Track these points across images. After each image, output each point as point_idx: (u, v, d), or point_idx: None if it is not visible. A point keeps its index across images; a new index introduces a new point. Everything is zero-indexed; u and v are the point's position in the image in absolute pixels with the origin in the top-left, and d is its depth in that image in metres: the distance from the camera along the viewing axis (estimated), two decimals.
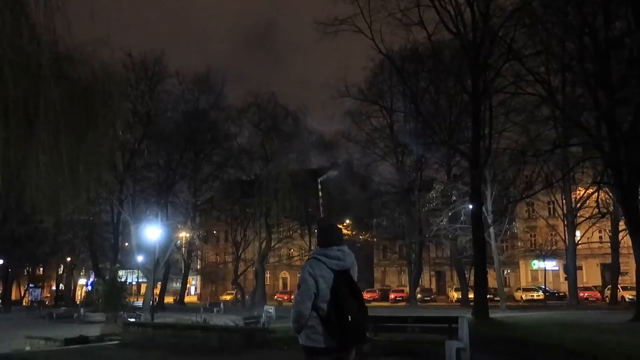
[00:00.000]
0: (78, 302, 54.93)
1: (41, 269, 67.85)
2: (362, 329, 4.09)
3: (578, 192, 37.52)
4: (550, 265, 47.78)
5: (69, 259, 59.22)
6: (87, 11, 10.25)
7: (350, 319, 3.89)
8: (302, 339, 4.00)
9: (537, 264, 49.76)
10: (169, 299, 58.00)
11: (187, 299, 60.73)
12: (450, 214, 39.96)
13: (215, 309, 37.37)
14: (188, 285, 65.93)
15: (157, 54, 45.84)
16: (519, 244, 52.52)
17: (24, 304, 61.23)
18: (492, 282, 32.74)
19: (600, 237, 44.67)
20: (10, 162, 9.82)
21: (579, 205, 37.31)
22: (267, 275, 61.84)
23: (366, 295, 53.47)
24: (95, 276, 51.21)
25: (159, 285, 49.08)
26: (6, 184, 10.23)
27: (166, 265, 46.62)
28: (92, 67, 11.67)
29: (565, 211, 38.21)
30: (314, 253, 4.17)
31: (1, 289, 60.59)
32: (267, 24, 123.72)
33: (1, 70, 8.98)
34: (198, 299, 68.13)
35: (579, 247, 39.52)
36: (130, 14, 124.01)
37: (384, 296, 52.50)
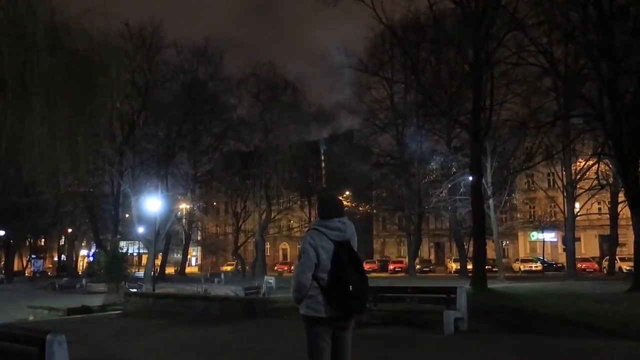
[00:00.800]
0: (80, 273, 55.53)
1: (43, 240, 68.36)
2: (362, 299, 4.15)
3: (578, 163, 37.46)
4: (549, 236, 48.06)
5: (70, 230, 59.56)
6: None
7: (350, 289, 3.93)
8: (303, 308, 4.04)
9: (535, 236, 50.07)
10: (170, 270, 58.53)
11: (188, 269, 61.34)
12: (449, 185, 40.01)
13: (216, 280, 37.80)
14: (189, 256, 66.48)
15: (155, 24, 45.29)
16: (518, 215, 52.71)
17: (26, 274, 61.91)
18: (490, 253, 32.91)
19: (599, 209, 44.82)
20: (8, 134, 9.77)
21: (578, 177, 37.31)
22: (267, 246, 62.31)
23: (366, 266, 53.69)
24: (97, 247, 51.55)
25: (159, 256, 49.46)
26: (5, 156, 10.19)
27: (167, 237, 46.90)
28: (89, 37, 11.52)
29: (565, 183, 38.23)
30: (314, 224, 4.20)
31: (3, 259, 61.14)
32: None
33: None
34: (199, 269, 68.83)
35: (577, 218, 39.67)
36: None
37: (383, 267, 52.94)
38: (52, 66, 9.55)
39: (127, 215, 50.08)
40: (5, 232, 53.86)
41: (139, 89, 42.23)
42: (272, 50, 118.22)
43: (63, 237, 64.89)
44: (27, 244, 65.63)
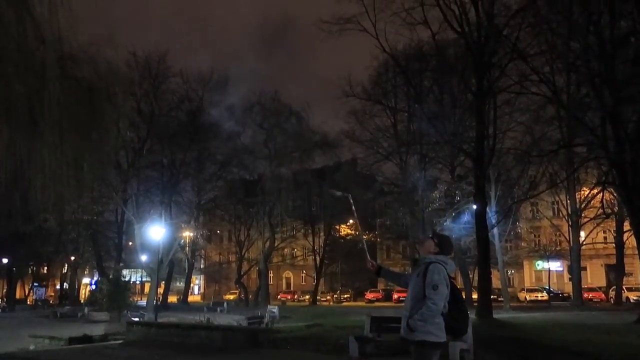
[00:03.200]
0: (82, 301, 55.11)
1: (45, 267, 68.13)
2: (467, 324, 5.00)
3: (582, 192, 37.37)
4: (555, 265, 47.65)
5: (73, 258, 59.35)
6: (94, 9, 10.25)
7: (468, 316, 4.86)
8: (423, 335, 4.61)
9: (541, 265, 49.64)
10: (172, 298, 58.10)
11: (190, 298, 60.87)
12: (454, 214, 39.87)
13: (218, 309, 37.41)
14: (192, 285, 66.09)
15: (162, 53, 45.89)
16: (523, 244, 52.36)
17: (28, 302, 61.50)
18: (496, 282, 32.67)
19: (605, 238, 44.51)
20: (15, 161, 9.83)
21: (583, 205, 37.17)
22: (271, 274, 61.91)
23: (369, 295, 53.53)
24: (99, 275, 51.31)
25: (162, 284, 49.18)
26: (11, 183, 10.24)
27: (170, 265, 46.70)
28: (97, 66, 11.68)
29: (569, 211, 38.07)
30: (437, 259, 4.83)
31: (5, 287, 60.85)
32: (280, 23, 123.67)
33: (6, 69, 8.98)
34: (201, 298, 68.28)
35: (583, 247, 39.37)
36: (143, 11, 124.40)
37: (388, 296, 52.43)
38: (59, 94, 9.66)
39: (130, 243, 49.97)
40: (9, 260, 53.74)
41: (144, 117, 42.69)
42: (278, 79, 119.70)
43: (66, 265, 64.66)
44: (30, 271, 65.39)
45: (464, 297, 5.28)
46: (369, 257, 5.69)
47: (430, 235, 5.19)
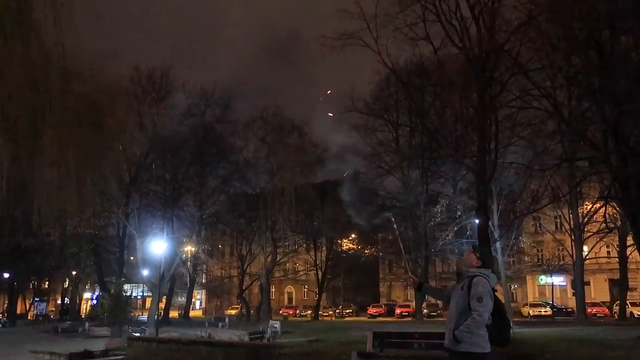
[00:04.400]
0: (83, 316, 54.92)
1: (47, 282, 67.92)
2: (510, 335, 5.22)
3: (585, 206, 37.28)
4: (558, 280, 47.37)
5: (74, 272, 59.23)
6: (99, 25, 10.35)
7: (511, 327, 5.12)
8: (469, 346, 4.80)
9: (544, 279, 49.34)
10: (173, 313, 57.85)
11: (192, 313, 60.62)
12: (456, 228, 39.76)
13: (220, 324, 37.26)
14: (193, 300, 65.83)
15: (165, 68, 46.19)
16: (526, 258, 52.13)
17: (29, 317, 61.29)
18: (498, 297, 32.47)
19: (608, 252, 44.30)
20: (19, 176, 9.87)
21: (586, 219, 37.06)
22: (273, 289, 61.68)
23: (372, 310, 53.24)
24: (101, 290, 51.15)
25: (164, 299, 49.00)
26: (14, 197, 10.27)
27: (171, 279, 46.57)
28: (100, 81, 11.78)
29: (572, 226, 37.95)
30: (480, 272, 5.04)
31: (6, 302, 60.64)
32: (285, 38, 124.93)
33: (10, 86, 9.05)
34: (203, 313, 67.98)
35: (586, 262, 39.17)
36: (149, 26, 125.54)
37: (390, 311, 52.17)
38: (62, 110, 9.73)
39: (132, 258, 49.92)
40: (10, 274, 53.62)
41: (146, 131, 42.82)
42: (281, 93, 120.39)
43: (67, 280, 64.49)
44: (31, 286, 65.21)
45: None
46: (410, 273, 6.07)
47: (472, 250, 5.41)
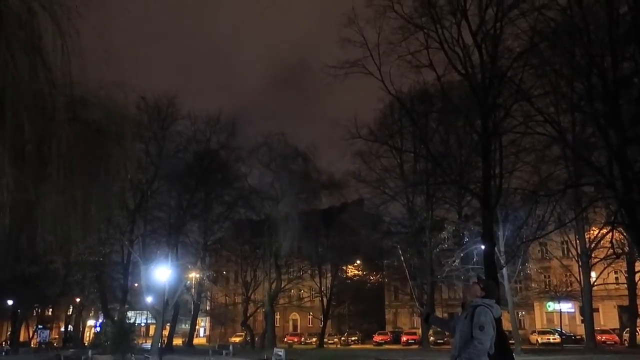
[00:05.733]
0: (86, 344, 54.44)
1: (50, 310, 67.56)
2: None
3: (592, 232, 37.04)
4: (566, 307, 46.79)
5: (78, 299, 58.97)
6: (106, 53, 10.50)
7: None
8: None
9: (552, 306, 48.76)
10: (177, 341, 57.32)
11: (196, 340, 60.01)
12: (462, 254, 39.48)
13: (224, 352, 36.84)
14: (197, 327, 65.24)
15: (171, 96, 46.65)
16: (533, 285, 51.60)
17: (32, 345, 60.71)
18: (506, 324, 32.04)
19: (617, 278, 43.84)
20: (24, 203, 9.92)
21: (593, 245, 36.78)
22: (277, 316, 61.08)
23: (378, 338, 52.62)
24: (104, 317, 50.82)
25: (167, 326, 48.61)
26: (19, 225, 10.31)
27: (175, 307, 46.28)
28: (106, 109, 11.91)
29: (579, 251, 37.66)
30: (483, 302, 5.15)
31: (10, 330, 60.27)
32: (291, 67, 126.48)
33: (18, 114, 9.16)
34: (207, 340, 67.35)
35: (594, 288, 38.74)
36: (159, 52, 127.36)
37: (396, 338, 51.53)
38: (69, 137, 9.82)
39: (136, 285, 49.69)
40: (13, 301, 53.41)
41: (152, 158, 43.17)
42: (287, 120, 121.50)
43: (71, 307, 64.18)
44: (35, 313, 64.86)
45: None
46: (418, 304, 6.37)
47: (476, 281, 5.52)
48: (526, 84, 21.67)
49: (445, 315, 58.75)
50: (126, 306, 46.93)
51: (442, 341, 48.14)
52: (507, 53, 21.73)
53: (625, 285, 39.95)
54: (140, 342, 47.50)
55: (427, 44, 22.53)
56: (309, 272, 58.56)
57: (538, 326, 50.40)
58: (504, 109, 21.80)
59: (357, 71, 24.44)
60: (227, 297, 70.39)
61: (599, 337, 39.59)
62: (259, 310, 56.57)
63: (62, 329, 68.88)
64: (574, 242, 39.46)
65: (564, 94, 21.45)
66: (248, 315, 55.18)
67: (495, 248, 28.03)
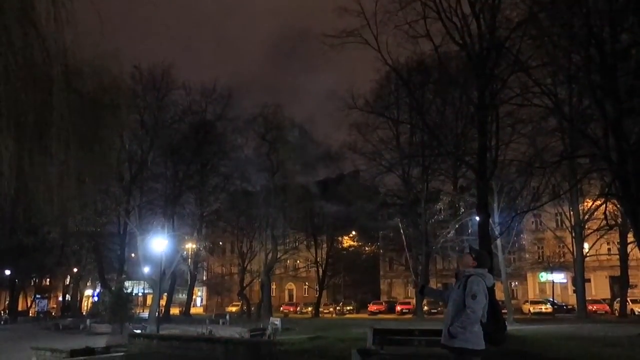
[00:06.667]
0: (84, 313, 55.08)
1: (48, 279, 68.09)
2: (504, 334, 5.43)
3: (586, 203, 37.32)
4: (559, 277, 47.43)
5: (75, 269, 59.36)
6: (101, 22, 10.33)
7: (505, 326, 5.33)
8: (463, 342, 4.99)
9: (545, 277, 49.42)
10: (174, 311, 57.95)
11: (193, 310, 60.72)
12: (457, 225, 39.80)
13: (221, 321, 37.33)
14: (194, 297, 65.93)
15: (166, 66, 46.10)
16: (527, 256, 52.19)
17: (30, 314, 61.40)
18: (499, 294, 32.50)
19: (609, 249, 44.36)
20: (20, 174, 9.90)
21: (586, 217, 37.09)
22: (273, 286, 61.75)
23: (372, 308, 53.33)
24: (102, 287, 51.27)
25: (164, 296, 49.07)
26: (15, 196, 10.30)
27: (172, 277, 46.63)
28: (101, 79, 11.79)
29: (573, 223, 37.99)
30: (476, 272, 5.23)
31: (8, 299, 60.81)
32: (289, 37, 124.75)
33: (13, 84, 9.08)
34: (204, 310, 68.10)
35: (587, 259, 39.22)
36: (155, 23, 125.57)
37: (391, 308, 52.23)
38: (64, 107, 9.75)
39: (132, 255, 49.98)
40: (11, 272, 53.75)
41: (147, 129, 42.91)
42: (283, 92, 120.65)
43: (68, 277, 64.65)
44: (32, 283, 65.37)
45: None
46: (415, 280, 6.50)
47: (468, 251, 5.67)
48: (524, 55, 21.51)
49: (440, 285, 59.50)
50: (123, 276, 47.27)
51: (435, 311, 48.86)
52: (506, 23, 21.50)
53: (617, 256, 40.46)
54: (138, 311, 48.08)
55: (424, 14, 22.24)
56: (305, 242, 58.98)
57: (531, 296, 51.16)
58: (501, 80, 21.69)
59: (353, 41, 24.15)
60: (223, 268, 70.95)
61: (590, 307, 40.26)
62: (255, 281, 57.15)
63: (60, 298, 69.52)
64: (567, 214, 39.79)
65: (561, 65, 21.32)
66: (244, 285, 55.73)
67: (490, 219, 28.23)
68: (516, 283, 53.65)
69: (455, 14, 21.68)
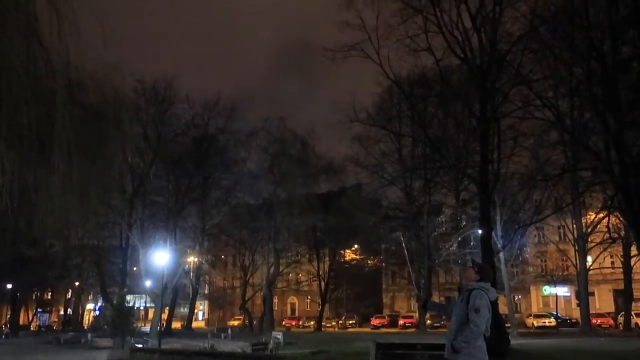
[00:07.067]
0: (86, 327, 54.82)
1: (49, 293, 67.92)
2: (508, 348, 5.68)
3: (588, 216, 37.19)
4: (562, 291, 47.16)
5: (77, 283, 59.25)
6: (105, 36, 10.41)
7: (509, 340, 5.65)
8: (466, 357, 4.97)
9: (548, 290, 49.15)
10: (176, 324, 57.70)
11: (194, 324, 60.42)
12: (459, 238, 39.68)
13: (222, 335, 37.12)
14: (196, 311, 65.64)
15: (168, 79, 46.35)
16: (530, 269, 51.93)
17: (31, 328, 61.16)
18: (502, 308, 32.29)
19: (612, 263, 44.11)
20: (22, 187, 9.93)
21: (589, 230, 36.94)
22: (275, 300, 61.50)
23: (375, 321, 53.03)
24: (103, 301, 51.09)
25: (166, 310, 48.89)
26: (17, 208, 10.32)
27: (174, 290, 46.53)
28: (104, 92, 11.85)
29: (575, 236, 37.84)
30: (479, 286, 5.21)
31: (9, 313, 60.61)
32: (292, 51, 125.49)
33: (17, 97, 9.13)
34: (206, 324, 67.79)
35: (590, 272, 38.99)
36: (160, 35, 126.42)
37: (393, 322, 51.92)
38: (67, 121, 9.80)
39: (134, 269, 49.88)
40: (13, 285, 53.62)
41: (150, 142, 43.03)
42: (286, 104, 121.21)
43: (70, 291, 64.49)
44: (34, 297, 65.20)
45: None
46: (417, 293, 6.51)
47: (471, 265, 5.65)
48: (525, 68, 21.62)
49: (442, 299, 59.18)
50: (125, 290, 47.13)
51: (438, 325, 48.55)
52: (507, 37, 21.65)
53: (621, 270, 40.20)
54: (140, 325, 47.87)
55: (425, 28, 22.41)
56: (307, 256, 58.81)
57: (534, 310, 50.84)
58: (502, 94, 21.77)
59: (355, 55, 24.35)
60: (225, 281, 70.74)
61: (594, 321, 39.97)
62: (257, 294, 56.93)
63: (62, 312, 69.29)
64: (570, 227, 39.63)
65: (562, 78, 21.40)
66: (246, 298, 55.51)
67: (493, 232, 28.14)
68: (519, 296, 53.34)
69: (456, 28, 21.85)
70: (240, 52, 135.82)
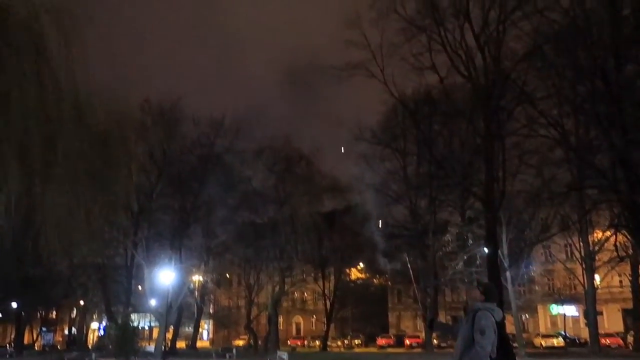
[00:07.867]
0: (90, 347, 54.54)
1: (54, 312, 67.70)
2: None
3: (595, 234, 36.90)
4: (570, 310, 46.63)
5: (82, 302, 59.04)
6: (117, 54, 10.59)
7: None
8: None
9: (556, 309, 48.61)
10: (181, 344, 57.26)
11: (199, 343, 60.00)
12: (465, 257, 39.43)
13: (227, 355, 36.85)
14: (200, 330, 65.19)
15: (174, 99, 46.61)
16: (537, 288, 51.45)
17: (35, 348, 60.85)
18: (510, 327, 31.95)
19: (621, 281, 43.68)
20: (28, 206, 9.99)
21: (597, 248, 36.62)
22: (280, 319, 61.04)
23: (381, 341, 52.54)
24: (108, 320, 50.86)
25: (171, 329, 48.60)
26: (23, 227, 10.38)
27: (179, 309, 46.25)
28: (110, 112, 11.98)
29: (583, 254, 37.50)
30: (484, 306, 5.18)
31: (13, 332, 60.38)
32: (296, 70, 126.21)
33: (24, 117, 9.24)
34: (210, 343, 67.30)
35: (598, 291, 38.58)
36: (166, 53, 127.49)
37: (399, 342, 51.42)
38: (74, 140, 9.90)
39: (139, 287, 49.69)
40: (17, 304, 53.49)
41: (156, 161, 43.17)
42: (291, 123, 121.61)
43: (74, 310, 64.29)
44: (39, 316, 64.98)
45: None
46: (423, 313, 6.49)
47: (476, 285, 5.71)
48: (529, 87, 21.71)
49: (449, 318, 58.60)
50: (130, 309, 46.91)
51: (445, 344, 48.00)
52: (510, 55, 21.80)
53: (630, 289, 39.74)
54: (144, 344, 47.55)
55: (429, 46, 22.63)
56: (312, 275, 58.50)
57: (542, 329, 50.24)
58: (507, 112, 21.85)
59: (360, 73, 24.55)
60: (230, 300, 70.37)
61: (603, 341, 39.41)
62: (262, 314, 56.56)
63: (66, 331, 69.03)
64: (577, 245, 39.29)
65: (567, 96, 21.44)
66: (251, 318, 55.17)
67: (499, 251, 27.99)
68: (527, 316, 52.76)
69: (460, 47, 22.04)
70: (247, 70, 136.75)
